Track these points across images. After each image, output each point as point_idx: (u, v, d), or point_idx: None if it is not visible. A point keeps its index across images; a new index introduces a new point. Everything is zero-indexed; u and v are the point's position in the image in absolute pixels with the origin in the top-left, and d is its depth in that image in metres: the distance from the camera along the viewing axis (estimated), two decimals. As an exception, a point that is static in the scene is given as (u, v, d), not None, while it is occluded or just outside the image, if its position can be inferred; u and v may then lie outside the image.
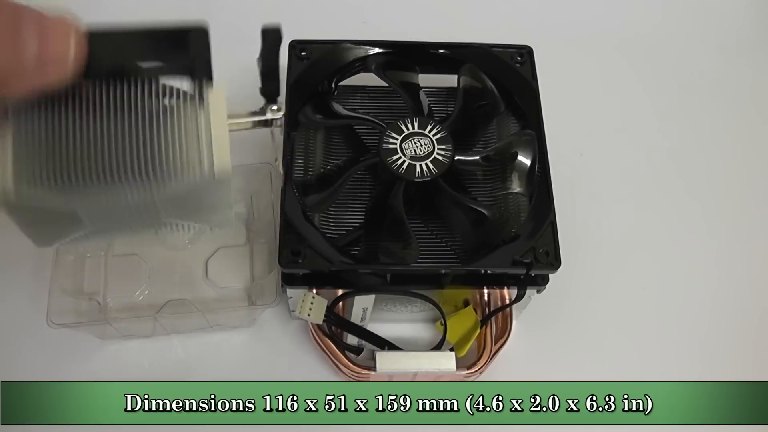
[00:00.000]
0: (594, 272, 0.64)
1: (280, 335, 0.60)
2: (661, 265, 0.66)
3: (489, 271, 0.51)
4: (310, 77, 0.56)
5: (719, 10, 0.80)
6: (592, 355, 0.61)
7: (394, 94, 0.59)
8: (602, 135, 0.72)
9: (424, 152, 0.52)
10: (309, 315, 0.50)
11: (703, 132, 0.73)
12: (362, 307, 0.53)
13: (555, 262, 0.50)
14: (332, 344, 0.53)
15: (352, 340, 0.54)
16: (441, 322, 0.54)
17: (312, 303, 0.50)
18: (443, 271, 0.51)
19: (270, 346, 0.60)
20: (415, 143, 0.52)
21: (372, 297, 0.52)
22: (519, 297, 0.52)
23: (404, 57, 0.59)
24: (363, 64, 0.58)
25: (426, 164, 0.51)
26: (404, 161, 0.51)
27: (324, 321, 0.50)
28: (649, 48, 0.77)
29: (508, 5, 0.78)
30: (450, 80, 0.59)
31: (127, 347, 0.60)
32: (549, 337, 0.61)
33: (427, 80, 0.60)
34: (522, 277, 0.51)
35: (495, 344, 0.54)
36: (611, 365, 0.61)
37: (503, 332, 0.55)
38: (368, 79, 0.60)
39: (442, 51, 0.59)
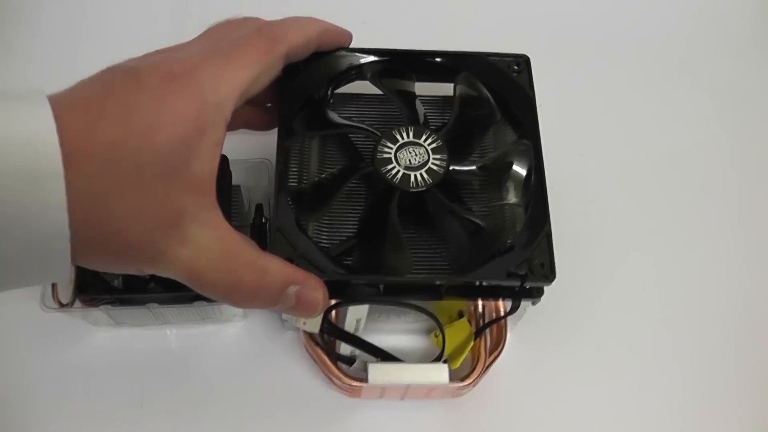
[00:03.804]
0: (592, 276, 0.63)
1: (271, 341, 0.59)
2: (661, 268, 0.64)
3: (483, 283, 0.49)
4: (304, 85, 0.54)
5: (718, 11, 0.78)
6: (589, 368, 0.59)
7: (389, 103, 0.57)
8: (602, 135, 0.70)
9: (419, 162, 0.49)
10: (304, 324, 0.48)
11: (703, 133, 0.71)
12: (356, 317, 0.51)
13: (550, 275, 0.47)
14: (324, 355, 0.51)
15: (345, 350, 0.52)
16: (436, 334, 0.52)
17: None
18: (437, 282, 0.49)
19: (261, 342, 0.59)
20: (410, 152, 0.50)
21: (365, 307, 0.50)
22: (513, 309, 0.50)
23: (400, 65, 0.56)
24: (358, 72, 0.56)
25: (421, 174, 0.49)
26: (399, 171, 0.49)
27: (320, 331, 0.49)
28: (650, 50, 0.76)
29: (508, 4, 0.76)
30: (446, 89, 0.57)
31: (120, 335, 0.59)
32: (544, 349, 0.60)
33: (423, 89, 0.58)
34: (517, 289, 0.49)
35: (489, 356, 0.52)
36: (608, 376, 0.59)
37: (497, 344, 0.53)
38: (364, 87, 0.57)
39: (438, 60, 0.56)
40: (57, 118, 0.35)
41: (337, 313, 0.50)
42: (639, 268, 0.64)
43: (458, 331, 0.52)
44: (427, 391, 0.52)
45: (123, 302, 0.55)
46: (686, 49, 0.76)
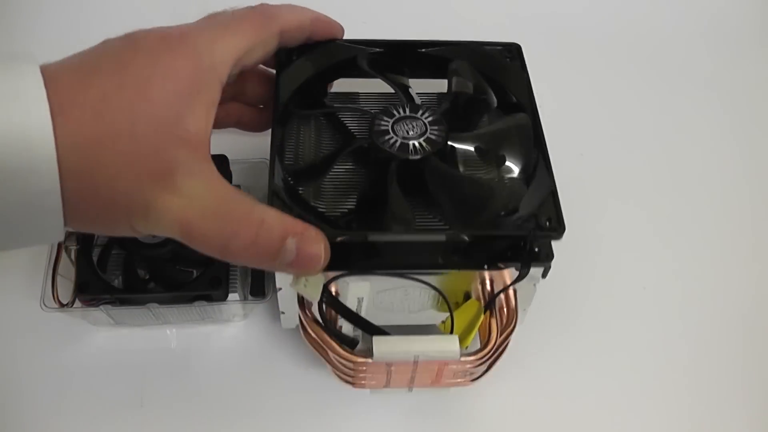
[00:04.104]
0: (592, 276, 0.62)
1: (271, 341, 0.59)
2: (660, 268, 0.64)
3: (490, 235, 0.47)
4: (299, 72, 0.54)
5: (719, 12, 0.79)
6: (589, 367, 0.59)
7: (385, 101, 0.57)
8: (602, 135, 0.70)
9: (417, 133, 0.49)
10: (305, 285, 0.44)
11: (703, 133, 0.71)
12: (357, 296, 0.49)
13: (558, 227, 0.45)
14: (325, 334, 0.47)
15: (347, 332, 0.50)
16: (443, 321, 0.50)
17: (309, 280, 0.45)
18: (442, 237, 0.47)
19: (261, 341, 0.58)
20: (408, 125, 0.49)
21: (367, 285, 0.48)
22: (522, 275, 0.47)
23: (394, 58, 0.56)
24: (352, 63, 0.55)
25: (419, 142, 0.48)
26: (396, 140, 0.48)
27: (320, 301, 0.46)
28: (650, 50, 0.76)
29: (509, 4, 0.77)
30: (441, 86, 0.56)
31: (120, 335, 0.58)
32: (545, 349, 0.59)
33: (417, 86, 0.57)
34: (524, 254, 0.47)
35: (501, 335, 0.49)
36: (607, 376, 0.58)
37: (509, 323, 0.50)
38: (357, 86, 0.58)
39: (430, 49, 0.56)
40: (46, 75, 0.36)
41: (337, 291, 0.48)
42: (639, 268, 0.63)
43: (466, 311, 0.49)
44: (437, 374, 0.49)
45: (123, 302, 0.54)
46: (687, 49, 0.77)
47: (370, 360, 0.46)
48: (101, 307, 0.54)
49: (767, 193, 0.69)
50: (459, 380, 0.49)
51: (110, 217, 0.40)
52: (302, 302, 0.48)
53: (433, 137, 0.49)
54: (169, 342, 0.58)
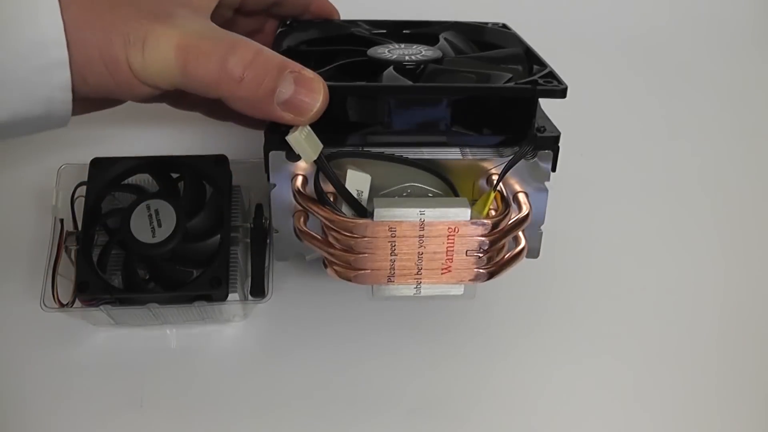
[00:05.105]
0: (592, 276, 0.61)
1: (271, 341, 0.58)
2: (660, 268, 0.63)
3: (492, 89, 0.47)
4: (299, 36, 0.57)
5: (719, 12, 0.80)
6: (587, 368, 0.57)
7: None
8: (602, 135, 0.70)
9: (411, 52, 0.51)
10: (303, 138, 0.42)
11: (704, 133, 0.72)
12: (356, 188, 0.46)
13: (560, 85, 0.45)
14: (319, 208, 0.45)
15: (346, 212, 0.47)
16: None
17: (306, 135, 0.43)
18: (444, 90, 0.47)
19: (261, 341, 0.58)
20: (403, 50, 0.52)
21: (367, 179, 0.46)
22: (522, 154, 0.46)
23: (390, 38, 0.58)
24: (350, 38, 0.58)
25: (415, 56, 0.50)
26: (392, 55, 0.50)
27: (315, 162, 0.44)
28: (651, 47, 0.78)
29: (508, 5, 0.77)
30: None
31: (120, 335, 0.57)
32: (543, 350, 0.57)
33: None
34: (530, 131, 0.47)
35: (513, 220, 0.46)
36: (606, 377, 0.57)
37: (522, 216, 0.47)
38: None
39: (425, 30, 0.59)
40: None
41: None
42: (639, 269, 0.63)
43: (476, 206, 0.46)
44: (446, 258, 0.45)
45: (123, 302, 0.53)
46: (687, 49, 0.78)
47: (370, 221, 0.43)
48: (101, 307, 0.53)
49: (767, 194, 0.68)
50: (473, 269, 0.45)
51: (108, 53, 0.40)
52: (300, 193, 0.47)
53: (429, 53, 0.51)
54: (169, 342, 0.57)
